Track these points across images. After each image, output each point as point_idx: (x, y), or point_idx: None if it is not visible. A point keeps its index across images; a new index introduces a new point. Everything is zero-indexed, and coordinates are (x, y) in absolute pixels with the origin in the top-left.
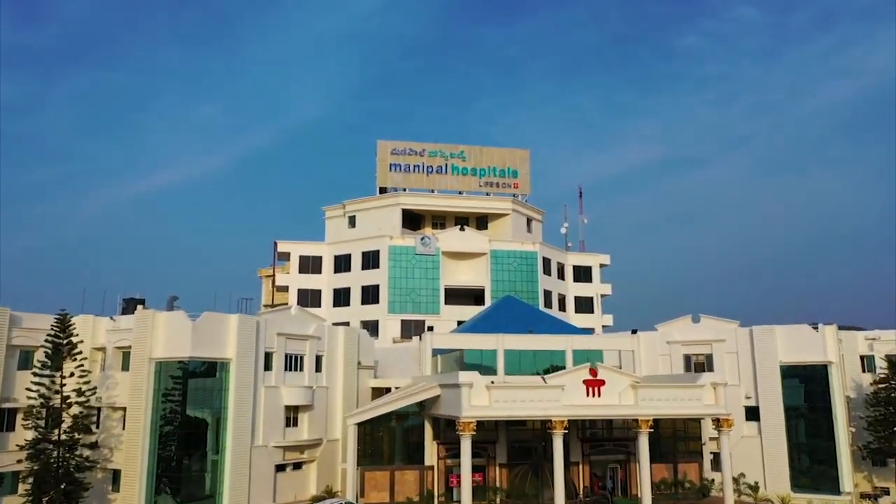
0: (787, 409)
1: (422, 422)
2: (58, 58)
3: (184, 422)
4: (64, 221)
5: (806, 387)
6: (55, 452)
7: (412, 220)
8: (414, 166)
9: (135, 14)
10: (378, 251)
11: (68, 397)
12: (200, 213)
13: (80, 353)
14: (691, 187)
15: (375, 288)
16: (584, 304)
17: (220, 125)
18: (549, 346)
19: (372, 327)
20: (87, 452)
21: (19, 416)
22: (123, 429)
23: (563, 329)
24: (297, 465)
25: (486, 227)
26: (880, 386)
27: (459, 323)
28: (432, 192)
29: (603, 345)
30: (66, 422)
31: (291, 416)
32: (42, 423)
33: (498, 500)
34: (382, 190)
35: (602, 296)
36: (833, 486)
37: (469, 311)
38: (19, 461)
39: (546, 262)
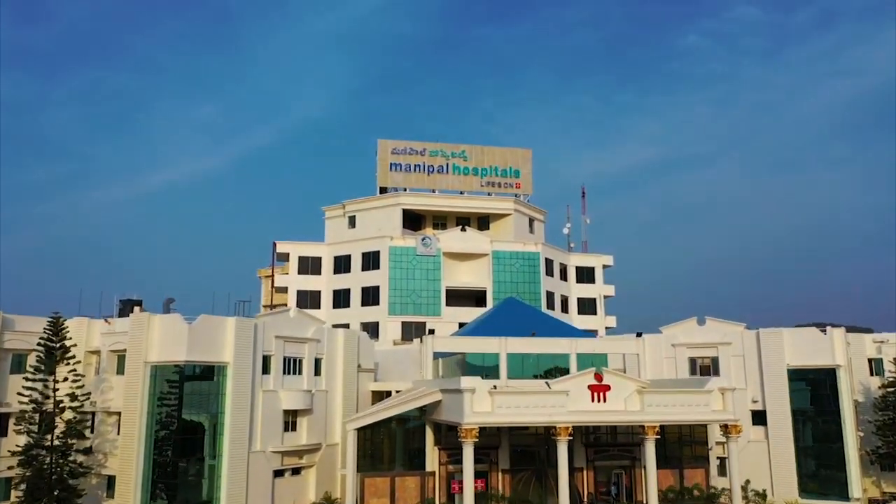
0: (795, 413)
1: (423, 426)
2: (58, 57)
3: (180, 427)
4: (63, 221)
5: (813, 390)
6: (48, 458)
7: (413, 221)
8: (415, 166)
9: (136, 14)
10: (378, 252)
11: (61, 402)
12: (200, 213)
13: (74, 356)
14: (692, 187)
15: (376, 289)
16: (586, 306)
17: (221, 125)
18: (552, 350)
19: (372, 329)
20: (80, 458)
21: (11, 422)
22: (118, 434)
23: (567, 332)
24: (296, 471)
25: (487, 228)
26: (889, 390)
27: (461, 325)
28: (433, 192)
29: (608, 348)
30: (60, 427)
31: (290, 420)
32: (35, 428)
33: None
34: (383, 190)
35: (605, 297)
36: (841, 492)
37: (471, 313)
38: (11, 467)
39: (548, 262)
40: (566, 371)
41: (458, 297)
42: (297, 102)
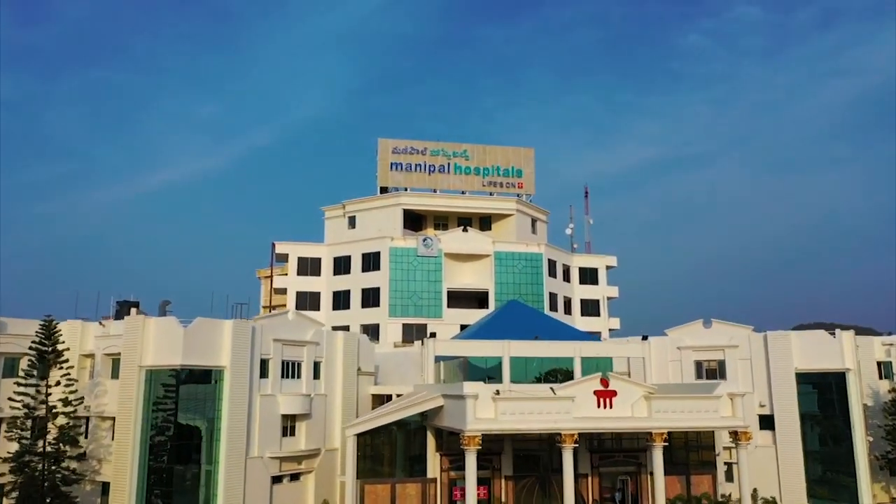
0: (803, 417)
1: (424, 431)
2: (60, 57)
3: (176, 432)
4: (63, 221)
5: (822, 394)
6: (40, 465)
7: (414, 221)
8: (416, 165)
9: (136, 14)
10: (379, 253)
11: (54, 407)
12: (199, 214)
13: (66, 360)
14: (693, 187)
15: (376, 290)
16: (590, 307)
17: (221, 125)
18: (556, 353)
19: (372, 331)
20: (74, 465)
21: (3, 427)
22: (113, 439)
23: (571, 335)
24: (295, 477)
25: (489, 228)
26: None
27: (462, 327)
28: (434, 191)
29: (613, 352)
30: (52, 433)
31: (288, 425)
32: (27, 434)
33: None
34: (383, 190)
35: (609, 298)
36: (851, 497)
37: (472, 315)
38: (3, 474)
39: (551, 263)
40: (568, 372)
41: (460, 298)
42: (298, 102)
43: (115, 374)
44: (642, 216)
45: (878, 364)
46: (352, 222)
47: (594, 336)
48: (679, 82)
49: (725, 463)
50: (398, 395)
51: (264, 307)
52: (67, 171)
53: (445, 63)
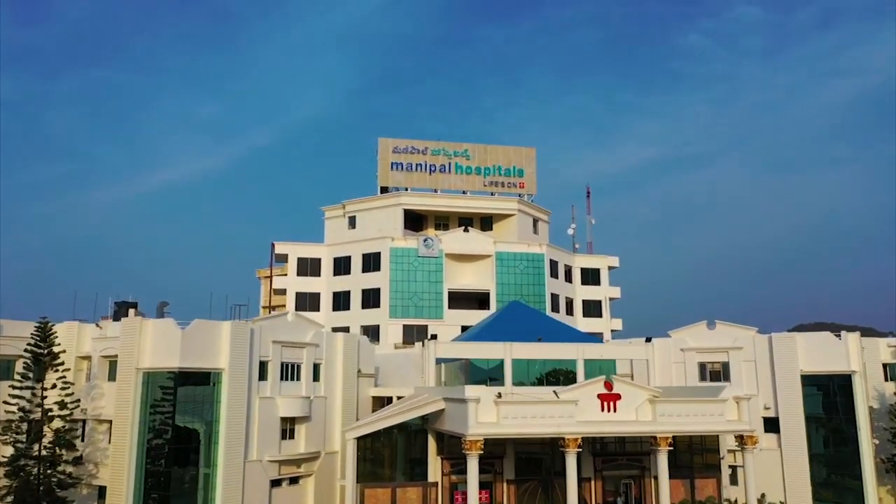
0: (808, 420)
1: (425, 434)
2: (60, 57)
3: (173, 435)
4: (63, 221)
5: (827, 397)
6: (36, 469)
7: (414, 221)
8: (416, 165)
9: (136, 14)
10: (379, 253)
11: (50, 410)
12: (199, 214)
13: (62, 363)
14: (693, 187)
15: (376, 291)
16: (592, 308)
17: (221, 125)
18: (559, 356)
19: (372, 332)
20: (70, 468)
21: None
22: (109, 442)
23: (573, 336)
24: (294, 480)
25: (490, 228)
26: None
27: (464, 328)
28: (435, 191)
29: (616, 354)
30: (48, 436)
31: (288, 427)
32: (22, 437)
33: None
34: (384, 189)
35: (610, 299)
36: (857, 500)
37: (474, 316)
38: None
39: (553, 264)
40: (570, 373)
41: (461, 299)
42: (298, 102)
43: (111, 377)
44: (642, 216)
45: (884, 366)
46: (352, 222)
47: (596, 337)
48: (679, 82)
49: (730, 466)
50: (399, 398)
51: (264, 308)
52: (67, 171)
53: (445, 63)
